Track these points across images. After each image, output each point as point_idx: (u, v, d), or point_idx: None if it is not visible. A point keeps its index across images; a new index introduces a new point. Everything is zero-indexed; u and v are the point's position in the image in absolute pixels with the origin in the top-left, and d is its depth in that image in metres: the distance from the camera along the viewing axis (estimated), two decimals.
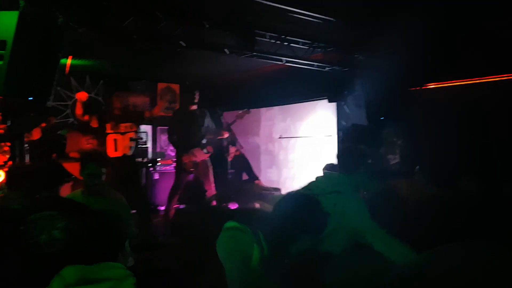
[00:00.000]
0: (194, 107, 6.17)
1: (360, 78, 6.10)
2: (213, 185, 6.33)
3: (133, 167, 5.84)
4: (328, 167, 4.07)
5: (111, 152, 5.55)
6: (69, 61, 5.77)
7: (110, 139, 5.62)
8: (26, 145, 4.33)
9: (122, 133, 5.66)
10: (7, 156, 4.74)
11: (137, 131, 5.83)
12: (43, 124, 5.93)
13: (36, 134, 5.66)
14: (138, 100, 8.82)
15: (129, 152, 5.71)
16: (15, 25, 3.46)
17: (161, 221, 6.35)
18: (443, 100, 5.49)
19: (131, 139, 5.71)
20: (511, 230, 1.37)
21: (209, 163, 6.34)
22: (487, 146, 4.81)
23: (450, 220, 1.52)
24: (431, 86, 5.76)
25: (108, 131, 5.63)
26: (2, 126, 4.97)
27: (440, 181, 2.84)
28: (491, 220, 1.44)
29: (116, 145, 5.61)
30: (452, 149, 4.97)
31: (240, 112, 6.71)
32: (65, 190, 6.23)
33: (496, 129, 4.85)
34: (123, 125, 5.68)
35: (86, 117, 5.63)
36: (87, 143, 6.38)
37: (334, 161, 3.92)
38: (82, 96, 5.61)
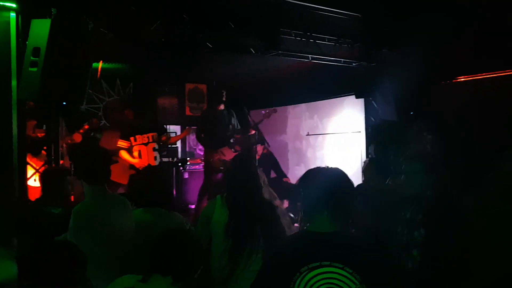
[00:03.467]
0: (222, 106, 6.24)
1: (388, 73, 6.01)
2: None
3: (161, 176, 5.86)
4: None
5: (137, 163, 5.63)
6: (100, 65, 5.92)
7: (135, 151, 5.70)
8: (61, 149, 4.47)
9: (146, 144, 5.74)
10: (43, 161, 4.92)
11: (159, 141, 5.87)
12: (86, 126, 6.10)
13: (77, 138, 5.84)
14: (166, 102, 8.98)
15: (155, 163, 5.77)
16: (48, 32, 3.59)
17: (192, 220, 6.44)
18: (474, 93, 5.35)
19: (154, 149, 5.78)
20: None
21: None
22: None
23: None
24: (462, 79, 5.63)
25: (133, 143, 5.70)
26: (38, 130, 5.17)
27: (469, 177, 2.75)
28: None
29: (140, 155, 5.69)
30: (485, 144, 4.84)
31: (267, 111, 6.73)
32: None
33: None
34: (145, 136, 5.75)
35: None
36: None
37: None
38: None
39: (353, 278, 1.54)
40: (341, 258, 1.56)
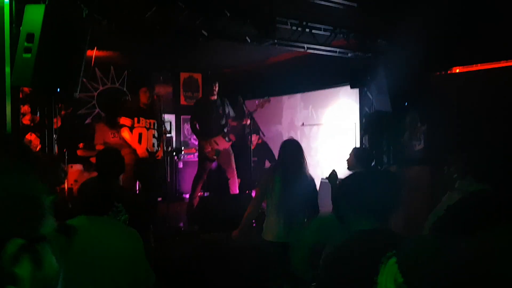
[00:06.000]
0: (214, 97, 6.27)
1: (383, 63, 6.02)
2: (235, 172, 6.41)
3: (157, 163, 5.84)
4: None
5: (136, 146, 5.58)
6: (94, 52, 5.87)
7: (135, 132, 5.63)
8: (55, 136, 4.45)
9: (147, 128, 5.68)
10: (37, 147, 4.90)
11: (159, 128, 5.81)
12: (63, 112, 6.04)
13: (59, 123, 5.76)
14: (162, 91, 8.95)
15: (154, 149, 5.73)
16: (42, 18, 3.55)
17: (186, 209, 6.47)
18: (469, 85, 5.38)
19: (153, 136, 5.72)
20: None
21: (231, 151, 6.42)
22: None
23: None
24: (457, 70, 5.65)
25: (135, 124, 5.63)
26: (31, 117, 5.15)
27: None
28: None
29: (141, 139, 5.63)
30: (478, 136, 4.88)
31: (260, 100, 6.73)
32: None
33: None
34: (148, 120, 5.70)
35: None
36: (113, 137, 6.51)
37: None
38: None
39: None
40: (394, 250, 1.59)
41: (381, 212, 1.80)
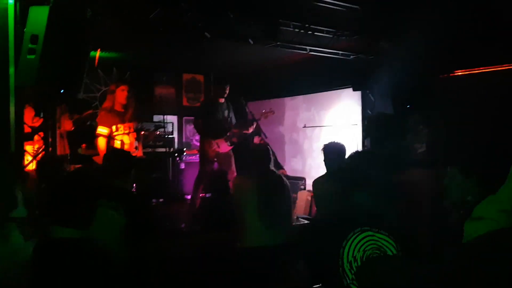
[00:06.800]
0: (222, 100, 6.26)
1: (386, 66, 6.02)
2: (235, 174, 6.40)
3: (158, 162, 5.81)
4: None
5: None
6: (97, 53, 5.87)
7: (116, 141, 5.43)
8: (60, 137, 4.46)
9: (128, 133, 5.50)
10: (38, 145, 4.91)
11: (140, 129, 5.64)
12: (76, 116, 6.02)
13: (67, 126, 5.76)
14: (163, 92, 8.96)
15: (139, 153, 5.60)
16: (46, 19, 3.56)
17: (188, 210, 6.47)
18: (472, 88, 5.37)
19: (135, 139, 5.58)
20: None
21: (231, 153, 6.43)
22: None
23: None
24: (460, 73, 5.64)
25: (114, 133, 5.42)
26: (36, 118, 5.16)
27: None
28: None
29: (123, 147, 5.40)
30: (482, 138, 4.87)
31: (265, 111, 6.72)
32: None
33: None
34: (126, 125, 5.50)
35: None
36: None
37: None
38: None
39: (389, 240, 1.79)
40: (376, 224, 1.82)
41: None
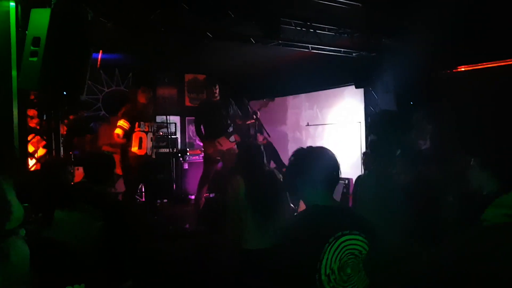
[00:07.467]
0: (216, 99, 6.26)
1: (388, 62, 6.00)
2: None
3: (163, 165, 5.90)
4: None
5: (137, 150, 5.61)
6: (99, 55, 5.89)
7: (136, 136, 5.63)
8: (62, 139, 4.46)
9: (147, 132, 5.71)
10: (41, 144, 4.91)
11: (156, 132, 5.83)
12: (71, 117, 6.08)
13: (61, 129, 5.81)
14: (166, 92, 8.97)
15: (152, 154, 5.79)
16: (47, 22, 3.57)
17: (192, 210, 6.48)
18: (474, 83, 5.35)
19: (151, 139, 5.76)
20: None
21: (235, 148, 6.41)
22: None
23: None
24: (463, 68, 5.62)
25: (136, 129, 5.63)
26: (38, 120, 5.16)
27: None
28: None
29: (142, 144, 5.65)
30: (485, 134, 4.85)
31: (264, 100, 6.71)
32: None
33: None
34: (147, 123, 5.73)
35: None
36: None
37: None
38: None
39: (366, 242, 1.77)
40: (355, 227, 1.78)
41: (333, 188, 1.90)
